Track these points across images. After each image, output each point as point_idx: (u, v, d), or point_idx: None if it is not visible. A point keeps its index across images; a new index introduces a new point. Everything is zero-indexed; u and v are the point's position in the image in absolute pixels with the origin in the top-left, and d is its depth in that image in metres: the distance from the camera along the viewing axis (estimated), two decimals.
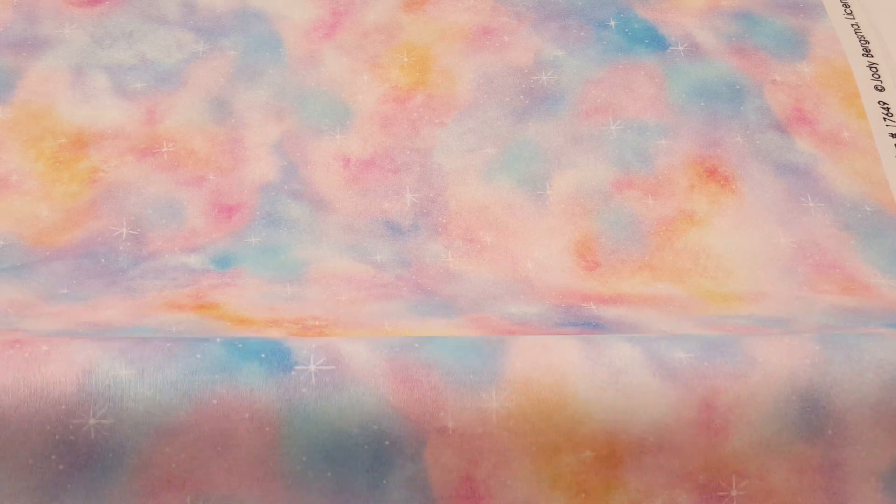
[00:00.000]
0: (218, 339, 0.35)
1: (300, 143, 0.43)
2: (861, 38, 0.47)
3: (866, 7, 0.48)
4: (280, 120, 0.44)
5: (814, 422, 0.35)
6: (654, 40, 0.47)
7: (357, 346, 0.35)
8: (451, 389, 0.35)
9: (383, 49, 0.47)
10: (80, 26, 0.47)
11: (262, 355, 0.35)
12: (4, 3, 0.48)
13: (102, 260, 0.40)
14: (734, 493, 0.35)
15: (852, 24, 0.47)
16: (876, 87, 0.45)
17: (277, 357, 0.35)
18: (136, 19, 0.47)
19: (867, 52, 0.46)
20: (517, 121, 0.44)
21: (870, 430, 0.35)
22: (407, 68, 0.46)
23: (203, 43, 0.47)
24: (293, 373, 0.35)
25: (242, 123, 0.44)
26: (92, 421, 0.34)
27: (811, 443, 0.35)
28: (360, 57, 0.46)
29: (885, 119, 0.44)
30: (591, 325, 0.38)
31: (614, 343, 0.36)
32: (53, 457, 0.34)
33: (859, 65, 0.46)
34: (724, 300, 0.40)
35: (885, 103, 0.45)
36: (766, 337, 0.36)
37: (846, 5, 0.48)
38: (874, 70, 0.46)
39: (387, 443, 0.34)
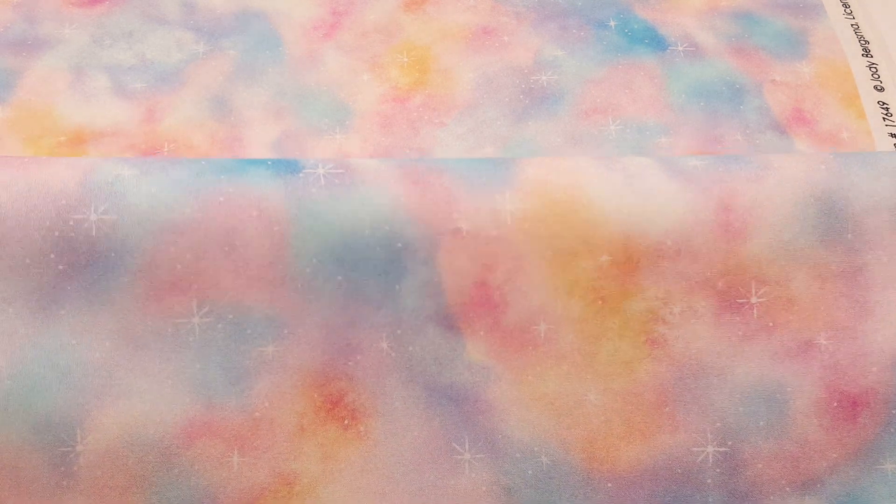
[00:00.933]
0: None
1: (299, 142, 0.43)
2: (861, 38, 0.47)
3: (866, 7, 0.48)
4: (279, 119, 0.44)
5: (833, 225, 0.34)
6: (654, 40, 0.47)
7: (366, 159, 0.34)
8: (464, 190, 0.33)
9: (383, 49, 0.47)
10: (80, 26, 0.47)
11: (269, 162, 0.34)
12: (4, 3, 0.48)
13: None
14: (754, 300, 0.34)
15: (852, 24, 0.48)
16: (876, 87, 0.45)
17: (285, 163, 0.34)
18: (136, 19, 0.48)
19: (867, 52, 0.46)
20: (517, 121, 0.44)
21: (890, 234, 0.34)
22: (407, 68, 0.46)
23: (203, 43, 0.47)
24: (301, 174, 0.33)
25: (242, 122, 0.44)
26: (93, 216, 0.33)
27: (831, 247, 0.34)
28: (359, 57, 0.47)
29: (884, 119, 0.44)
30: None
31: (627, 156, 0.35)
32: (53, 256, 0.32)
33: (859, 65, 0.46)
34: None
35: (884, 103, 0.45)
36: (779, 152, 0.35)
37: (846, 5, 0.48)
38: (874, 70, 0.46)
39: (399, 245, 0.33)
